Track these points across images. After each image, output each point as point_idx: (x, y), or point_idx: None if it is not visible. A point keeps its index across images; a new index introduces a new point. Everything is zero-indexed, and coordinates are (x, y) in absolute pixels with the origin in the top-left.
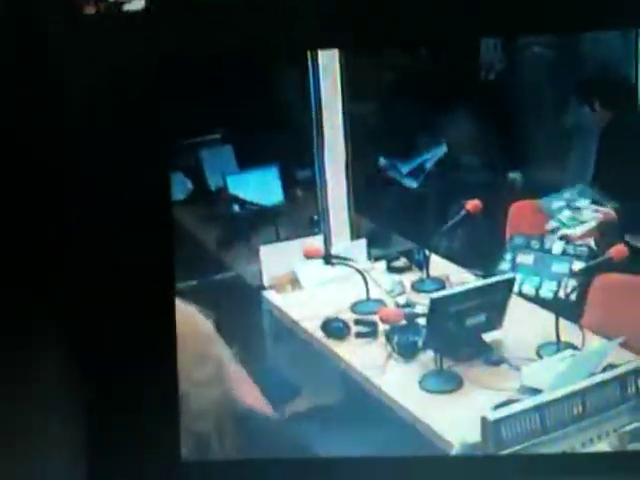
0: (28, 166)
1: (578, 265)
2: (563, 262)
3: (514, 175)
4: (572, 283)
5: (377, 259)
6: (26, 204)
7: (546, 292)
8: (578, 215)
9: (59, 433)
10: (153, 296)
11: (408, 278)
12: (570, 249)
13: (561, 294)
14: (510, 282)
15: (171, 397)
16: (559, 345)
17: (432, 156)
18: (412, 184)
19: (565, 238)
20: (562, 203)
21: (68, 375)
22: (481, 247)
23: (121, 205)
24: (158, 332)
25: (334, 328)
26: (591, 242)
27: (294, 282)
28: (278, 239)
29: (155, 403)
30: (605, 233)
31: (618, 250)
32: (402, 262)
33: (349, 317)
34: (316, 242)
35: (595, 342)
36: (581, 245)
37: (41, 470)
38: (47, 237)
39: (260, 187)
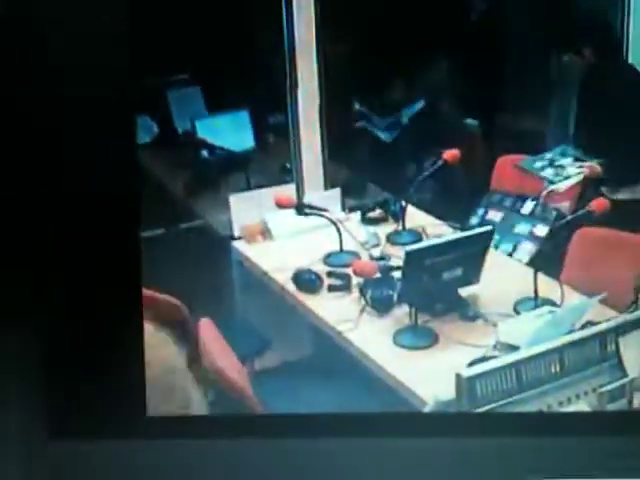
0: None
1: (541, 229)
2: (526, 224)
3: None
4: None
5: (351, 210)
6: None
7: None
8: (562, 172)
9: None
10: (118, 245)
11: (383, 230)
12: (538, 211)
13: (517, 256)
14: (488, 235)
15: (137, 351)
16: (537, 301)
17: (410, 110)
18: (387, 138)
19: (547, 197)
20: (545, 162)
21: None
22: (459, 199)
23: (82, 149)
24: (123, 283)
25: (306, 280)
26: (565, 205)
27: (265, 232)
28: (249, 187)
29: (120, 356)
30: (590, 186)
31: (599, 203)
32: (377, 213)
33: (322, 269)
34: (288, 191)
35: (574, 298)
36: (552, 209)
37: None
38: None
39: (230, 132)
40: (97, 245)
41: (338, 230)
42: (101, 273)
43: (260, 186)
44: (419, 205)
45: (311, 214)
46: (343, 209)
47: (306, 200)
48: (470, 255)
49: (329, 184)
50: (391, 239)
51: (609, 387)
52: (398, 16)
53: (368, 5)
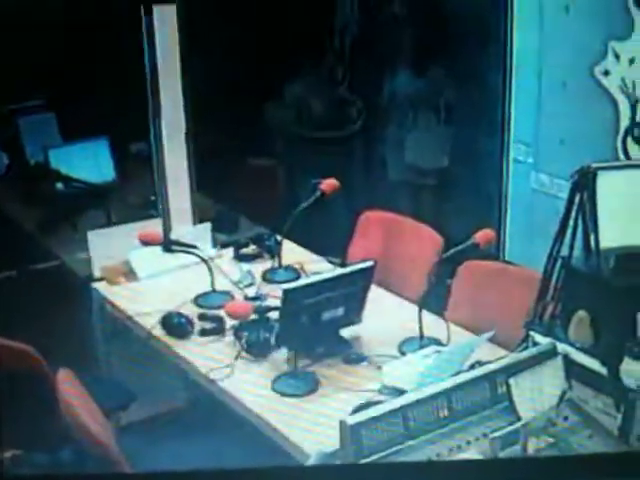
0: None
1: None
2: None
3: None
4: None
5: (223, 246)
6: None
7: None
8: None
9: None
10: None
11: (258, 267)
12: None
13: None
14: (370, 271)
15: None
16: (422, 340)
17: None
18: None
19: None
20: None
21: None
22: (338, 232)
23: None
24: None
25: (175, 324)
26: None
27: (128, 272)
28: (109, 223)
29: None
30: None
31: (485, 235)
32: (251, 249)
33: (192, 312)
34: (153, 226)
35: (462, 337)
36: None
37: None
38: None
39: (88, 162)
40: None
41: (209, 268)
42: None
43: (122, 222)
44: (296, 240)
45: (179, 251)
46: (214, 245)
47: (173, 236)
48: (351, 293)
49: (198, 218)
50: (267, 277)
51: (501, 432)
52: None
53: (236, 26)
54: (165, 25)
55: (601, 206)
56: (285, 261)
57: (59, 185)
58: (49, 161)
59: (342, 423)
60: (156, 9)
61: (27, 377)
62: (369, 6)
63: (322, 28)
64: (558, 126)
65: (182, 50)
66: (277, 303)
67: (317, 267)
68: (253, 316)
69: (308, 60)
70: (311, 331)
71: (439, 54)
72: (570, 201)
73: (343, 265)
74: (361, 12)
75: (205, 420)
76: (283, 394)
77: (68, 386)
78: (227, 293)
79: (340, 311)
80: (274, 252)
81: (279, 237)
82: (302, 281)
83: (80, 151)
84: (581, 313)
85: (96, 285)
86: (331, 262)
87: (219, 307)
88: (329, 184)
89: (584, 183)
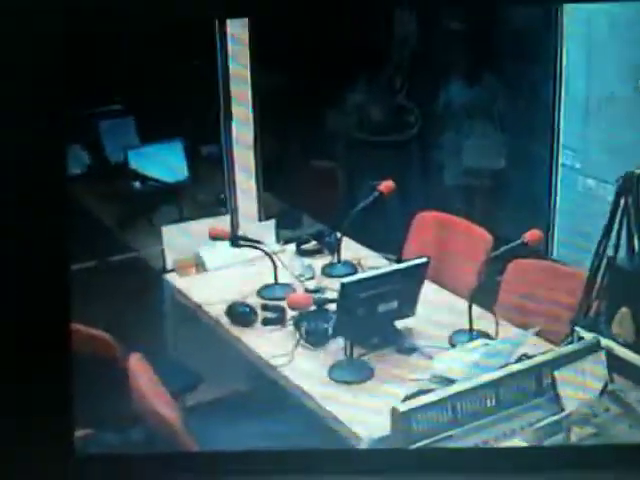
0: None
1: None
2: None
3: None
4: None
5: (286, 241)
6: None
7: None
8: None
9: None
10: (46, 279)
11: (318, 262)
12: None
13: None
14: (424, 267)
15: (65, 391)
16: (472, 334)
17: None
18: None
19: None
20: None
21: None
22: (394, 230)
23: (10, 179)
24: (51, 320)
25: (240, 313)
26: None
27: (198, 265)
28: (182, 219)
29: (48, 397)
30: None
31: (533, 234)
32: (312, 245)
33: (256, 302)
34: (222, 223)
35: (509, 331)
36: None
37: None
38: None
39: (163, 163)
40: (25, 277)
41: (273, 262)
42: (29, 305)
43: (193, 218)
44: (355, 237)
45: (245, 246)
46: (278, 241)
47: (240, 232)
48: (406, 287)
49: (264, 216)
50: (326, 271)
51: (546, 422)
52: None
53: (301, 38)
54: (237, 35)
55: None
56: (344, 257)
57: (136, 184)
58: (128, 161)
59: (393, 410)
60: (229, 21)
61: (102, 361)
62: (427, 20)
63: (382, 40)
64: (604, 134)
65: (252, 59)
66: (335, 296)
67: (374, 263)
68: (312, 308)
69: (369, 69)
70: (366, 322)
71: (493, 65)
72: (615, 204)
73: (398, 261)
74: (419, 26)
75: (265, 404)
76: (339, 381)
77: (139, 370)
78: (289, 286)
79: (394, 304)
80: (333, 248)
81: (338, 234)
82: (359, 275)
83: (156, 152)
84: (624, 310)
85: (168, 276)
86: (387, 258)
87: (281, 299)
88: (386, 185)
89: (629, 187)
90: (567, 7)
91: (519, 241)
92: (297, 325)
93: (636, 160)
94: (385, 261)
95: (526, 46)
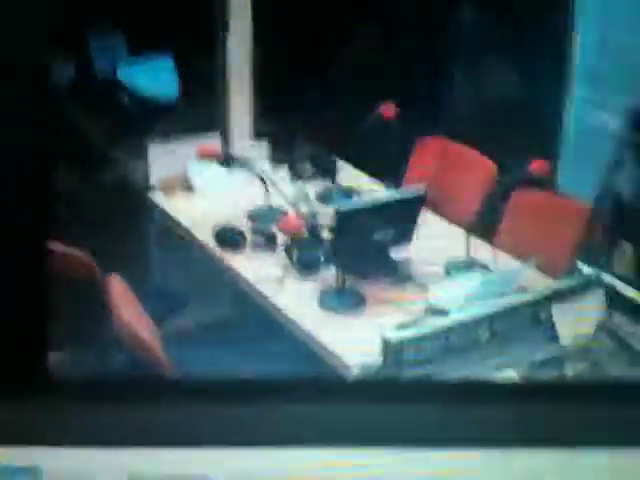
0: None
1: None
2: None
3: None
4: None
5: (280, 163)
6: None
7: None
8: None
9: None
10: (25, 195)
11: (313, 186)
12: None
13: None
14: (422, 196)
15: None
16: (470, 265)
17: None
18: None
19: None
20: None
21: None
22: (394, 157)
23: None
24: (28, 237)
25: (228, 237)
26: None
27: (185, 185)
28: (171, 137)
29: (19, 314)
30: None
31: (539, 164)
32: (307, 168)
33: (246, 226)
34: (212, 141)
35: (508, 262)
36: None
37: None
38: None
39: (153, 78)
40: (6, 190)
41: (265, 184)
42: (4, 221)
43: (183, 137)
44: (351, 161)
45: (236, 166)
46: (271, 162)
47: (232, 151)
48: (403, 216)
49: (256, 135)
50: (321, 197)
51: (541, 355)
52: None
53: None
54: None
55: None
56: (340, 182)
57: (125, 98)
58: (116, 76)
59: (385, 339)
60: None
61: (81, 282)
62: None
63: None
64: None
65: None
66: (329, 222)
67: (371, 189)
68: (305, 234)
69: None
70: (361, 250)
71: None
72: (624, 138)
73: (397, 187)
74: None
75: (252, 330)
76: (329, 309)
77: (119, 292)
78: (281, 210)
79: (390, 232)
80: (329, 173)
81: (336, 158)
82: (354, 203)
83: (146, 68)
84: (626, 245)
85: (153, 196)
86: (387, 186)
87: (272, 223)
88: (387, 108)
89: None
90: None
91: (524, 170)
92: (288, 251)
93: None
94: (383, 188)
95: None
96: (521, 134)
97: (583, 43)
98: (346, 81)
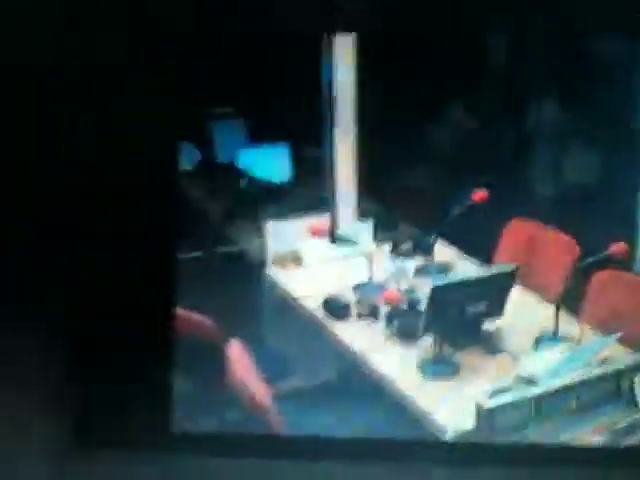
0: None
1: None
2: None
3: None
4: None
5: (382, 242)
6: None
7: None
8: None
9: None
10: (154, 266)
11: (412, 263)
12: None
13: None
14: (513, 273)
15: (167, 366)
16: (557, 337)
17: None
18: None
19: None
20: None
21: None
22: (486, 236)
23: (126, 175)
24: (156, 302)
25: (335, 307)
26: None
27: (297, 259)
28: (284, 216)
29: (148, 371)
30: None
31: (619, 247)
32: (407, 246)
33: (351, 298)
34: (322, 221)
35: (592, 336)
36: None
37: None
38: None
39: (270, 164)
40: (137, 261)
41: (368, 261)
42: (137, 288)
43: (295, 216)
44: (447, 240)
45: (343, 244)
46: (374, 240)
47: (339, 231)
48: (494, 291)
49: (362, 216)
50: (419, 272)
51: (624, 423)
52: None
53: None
54: (344, 50)
55: None
56: (437, 259)
57: (243, 182)
58: (236, 161)
59: (479, 405)
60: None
61: (203, 344)
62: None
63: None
64: None
65: (357, 73)
66: (426, 296)
67: (465, 266)
68: (404, 306)
69: (466, 86)
70: (455, 323)
71: (579, 89)
72: None
73: (489, 265)
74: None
75: (355, 394)
76: (427, 376)
77: (238, 355)
78: (382, 284)
79: (482, 307)
80: (427, 250)
81: (433, 237)
82: (449, 278)
83: (264, 153)
84: None
85: (268, 269)
86: (479, 263)
87: (375, 295)
88: (480, 195)
89: None
90: None
91: (605, 253)
92: (389, 321)
93: None
94: (476, 265)
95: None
96: (602, 217)
97: None
98: (439, 166)
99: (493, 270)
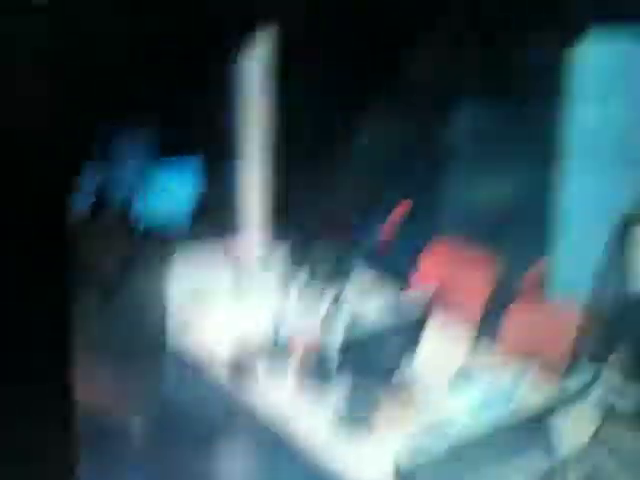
0: None
1: None
2: None
3: None
4: None
5: (298, 265)
6: None
7: None
8: None
9: None
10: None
11: (329, 294)
12: None
13: None
14: (423, 321)
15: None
16: (473, 374)
17: None
18: None
19: None
20: None
21: None
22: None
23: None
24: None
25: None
26: None
27: (202, 297)
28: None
29: None
30: None
31: (532, 277)
32: (325, 269)
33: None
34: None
35: (511, 365)
36: None
37: None
38: None
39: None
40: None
41: (283, 293)
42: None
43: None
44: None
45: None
46: (290, 264)
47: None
48: (407, 337)
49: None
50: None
51: (542, 467)
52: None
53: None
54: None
55: None
56: (355, 285)
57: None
58: (133, 200)
59: (397, 464)
60: None
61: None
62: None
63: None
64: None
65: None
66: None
67: (384, 295)
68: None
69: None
70: (369, 371)
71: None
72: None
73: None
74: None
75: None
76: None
77: None
78: (296, 325)
79: (396, 354)
80: (346, 273)
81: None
82: (363, 328)
83: (171, 169)
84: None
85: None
86: (399, 288)
87: (288, 340)
88: (403, 207)
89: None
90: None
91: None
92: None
93: None
94: (393, 295)
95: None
96: (521, 236)
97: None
98: (358, 181)
99: (406, 311)
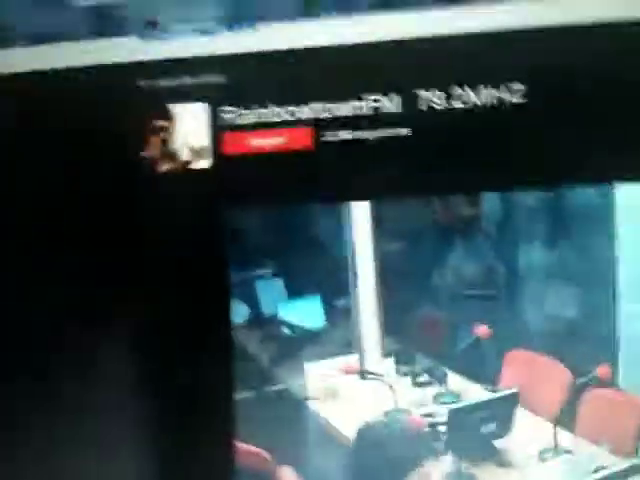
0: None
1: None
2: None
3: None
4: None
5: (403, 374)
6: None
7: None
8: None
9: None
10: (213, 407)
11: (430, 392)
12: None
13: None
14: (515, 396)
15: None
16: (557, 450)
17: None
18: None
19: None
20: None
21: None
22: (489, 366)
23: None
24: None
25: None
26: None
27: (334, 393)
28: (321, 357)
29: None
30: None
31: (603, 370)
32: (425, 378)
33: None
34: (352, 360)
35: (587, 448)
36: None
37: None
38: None
39: (305, 313)
40: (195, 408)
41: (392, 391)
42: (198, 428)
43: (330, 356)
44: (457, 371)
45: (371, 379)
46: (396, 374)
47: (367, 368)
48: (502, 410)
49: (385, 354)
50: (436, 399)
51: None
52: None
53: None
54: (360, 216)
55: None
56: (450, 387)
57: (285, 330)
58: (279, 313)
59: None
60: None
61: (259, 473)
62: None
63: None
64: None
65: (373, 234)
66: (444, 419)
67: (474, 392)
68: (426, 429)
69: (463, 236)
70: (471, 441)
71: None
72: None
73: (494, 391)
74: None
75: None
76: None
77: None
78: (406, 410)
79: (493, 426)
80: (441, 380)
81: (445, 369)
82: (463, 402)
83: (300, 305)
84: None
85: (310, 402)
86: (486, 389)
87: (401, 420)
88: (482, 330)
89: None
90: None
91: (592, 375)
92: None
93: None
94: (484, 391)
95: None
96: (586, 345)
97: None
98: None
99: (498, 394)
